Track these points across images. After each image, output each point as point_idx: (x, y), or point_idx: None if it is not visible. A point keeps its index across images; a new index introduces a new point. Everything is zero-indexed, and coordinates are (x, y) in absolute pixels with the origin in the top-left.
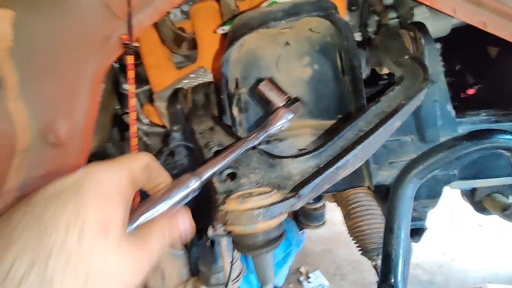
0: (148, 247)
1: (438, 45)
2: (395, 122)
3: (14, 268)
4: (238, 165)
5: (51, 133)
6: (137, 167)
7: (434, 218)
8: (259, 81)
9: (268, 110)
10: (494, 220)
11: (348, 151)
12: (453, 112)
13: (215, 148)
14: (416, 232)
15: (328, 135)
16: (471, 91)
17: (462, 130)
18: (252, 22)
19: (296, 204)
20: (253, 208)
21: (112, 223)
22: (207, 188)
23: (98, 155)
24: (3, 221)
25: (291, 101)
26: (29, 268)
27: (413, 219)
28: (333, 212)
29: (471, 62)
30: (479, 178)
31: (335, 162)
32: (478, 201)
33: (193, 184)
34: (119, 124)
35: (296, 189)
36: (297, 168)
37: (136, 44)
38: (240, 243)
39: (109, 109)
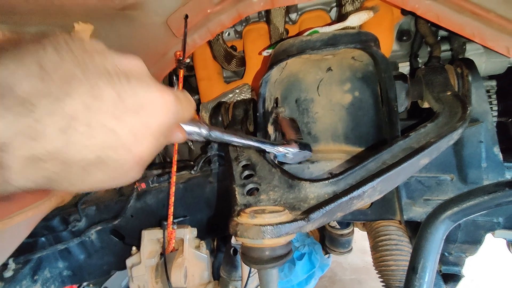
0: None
1: (493, 83)
2: (421, 160)
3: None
4: (261, 181)
5: None
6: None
7: None
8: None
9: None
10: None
11: (365, 182)
12: (500, 155)
13: (244, 162)
14: (452, 278)
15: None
16: None
17: (511, 175)
18: (292, 50)
19: (305, 227)
20: (261, 224)
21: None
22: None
23: None
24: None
25: (304, 145)
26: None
27: (449, 263)
28: (368, 241)
29: None
30: None
31: (350, 192)
32: None
33: (200, 130)
34: None
35: (307, 213)
36: (314, 192)
37: (187, 60)
38: (247, 255)
39: None
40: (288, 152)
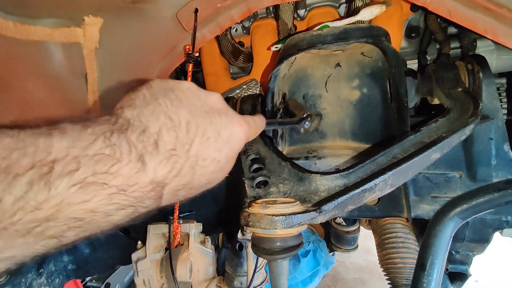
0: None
1: (503, 80)
2: (433, 154)
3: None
4: (270, 174)
5: None
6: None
7: None
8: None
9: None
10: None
11: (377, 175)
12: (510, 153)
13: (252, 156)
14: (458, 277)
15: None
16: None
17: None
18: (302, 44)
19: (316, 218)
20: (273, 214)
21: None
22: (241, 194)
23: None
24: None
25: (315, 113)
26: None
27: (456, 262)
28: (372, 241)
29: None
30: None
31: (362, 184)
32: None
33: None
34: None
35: (319, 204)
36: (325, 184)
37: (196, 54)
38: (258, 246)
39: None
40: (305, 125)
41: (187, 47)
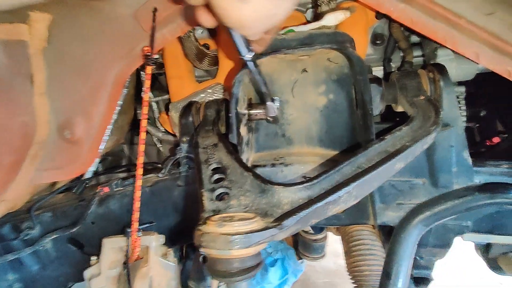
0: None
1: (462, 89)
2: (397, 163)
3: None
4: (232, 185)
5: (68, 129)
6: None
7: (451, 273)
8: None
9: None
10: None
11: (341, 187)
12: (469, 160)
13: (214, 165)
14: (422, 282)
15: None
16: (496, 140)
17: (479, 179)
18: (266, 48)
19: (277, 235)
20: (230, 234)
21: None
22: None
23: (113, 155)
24: None
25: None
26: None
27: (419, 267)
28: (340, 244)
29: (500, 109)
30: (494, 234)
31: (326, 197)
32: (493, 259)
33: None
34: (137, 128)
35: (280, 219)
36: (288, 197)
37: (156, 56)
38: (214, 268)
39: (129, 113)
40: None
41: (146, 48)
